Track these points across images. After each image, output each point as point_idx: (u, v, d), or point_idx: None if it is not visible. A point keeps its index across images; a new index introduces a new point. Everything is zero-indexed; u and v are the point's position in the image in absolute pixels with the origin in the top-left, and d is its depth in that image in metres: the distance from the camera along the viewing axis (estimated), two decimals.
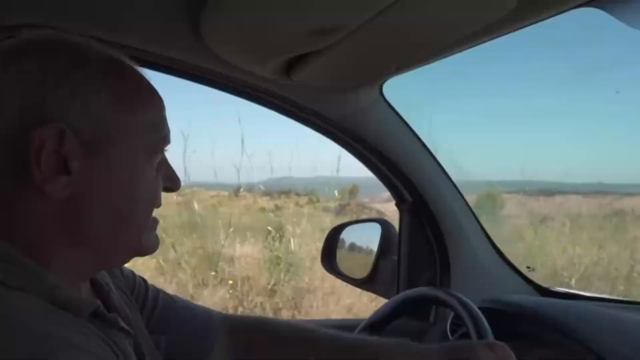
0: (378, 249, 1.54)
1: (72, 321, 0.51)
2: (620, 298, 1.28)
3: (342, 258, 1.65)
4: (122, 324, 0.61)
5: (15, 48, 0.57)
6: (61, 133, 0.54)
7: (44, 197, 0.55)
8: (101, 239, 0.60)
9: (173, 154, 0.71)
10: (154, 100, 0.64)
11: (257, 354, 0.89)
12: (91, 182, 0.57)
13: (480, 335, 0.78)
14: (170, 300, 0.86)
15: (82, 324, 0.52)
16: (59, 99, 0.55)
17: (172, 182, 0.68)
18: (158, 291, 0.86)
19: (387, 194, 1.49)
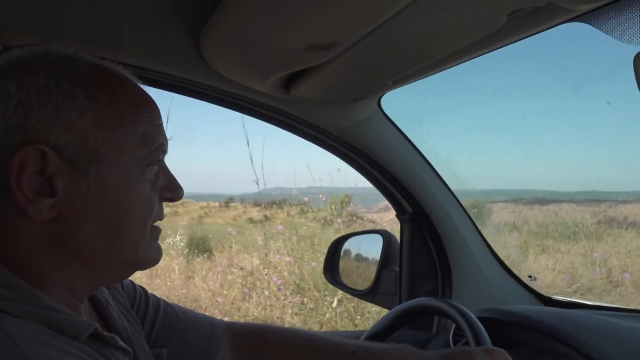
0: (380, 260, 1.54)
1: (68, 345, 0.50)
2: (622, 306, 1.28)
3: (344, 270, 1.65)
4: (121, 343, 0.60)
5: None
6: (43, 154, 0.53)
7: (29, 219, 0.54)
8: (94, 257, 0.59)
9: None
10: (147, 110, 0.62)
11: (261, 359, 0.88)
12: (80, 201, 0.56)
13: (479, 344, 0.78)
14: (172, 309, 0.85)
15: (79, 348, 0.51)
16: (42, 118, 0.54)
17: (172, 193, 0.66)
18: (159, 300, 0.85)
19: (382, 203, 1.50)
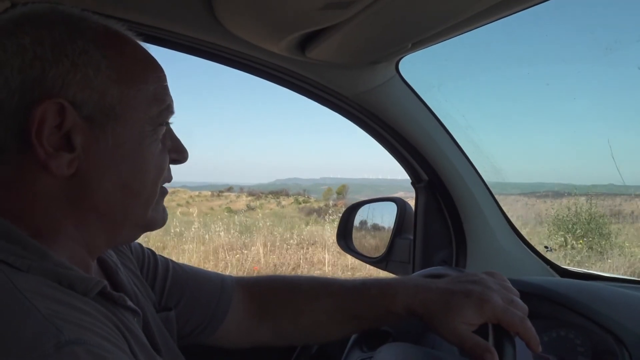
0: (394, 228, 1.53)
1: (78, 300, 0.51)
2: (639, 279, 1.26)
3: (358, 237, 1.65)
4: (130, 303, 0.61)
5: (10, 23, 0.55)
6: (62, 108, 0.54)
7: (49, 174, 0.55)
8: (110, 214, 0.60)
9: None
10: (155, 71, 0.63)
11: (274, 307, 0.89)
12: (97, 157, 0.57)
13: (498, 334, 0.76)
14: (181, 268, 0.87)
15: (87, 304, 0.51)
16: (59, 72, 0.54)
17: (178, 154, 0.67)
18: (168, 261, 0.86)
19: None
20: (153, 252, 0.86)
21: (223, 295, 0.86)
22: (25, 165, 0.55)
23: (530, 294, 1.01)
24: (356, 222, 1.65)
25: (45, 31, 0.55)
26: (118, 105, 0.57)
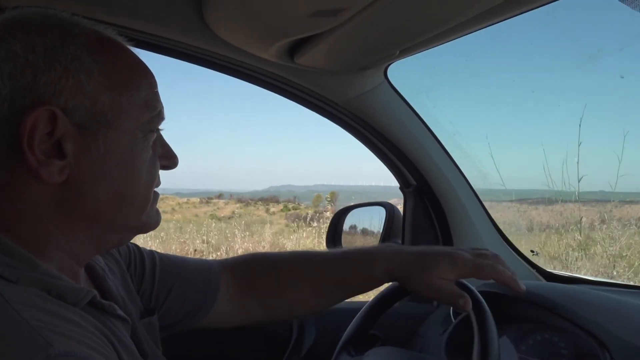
0: (382, 232, 1.54)
1: (68, 311, 0.50)
2: (623, 282, 1.28)
3: (347, 241, 1.66)
4: (120, 312, 0.61)
5: (0, 28, 0.55)
6: (53, 116, 0.53)
7: (40, 182, 0.54)
8: (101, 221, 0.60)
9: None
10: (146, 77, 0.62)
11: (260, 283, 0.92)
12: (89, 164, 0.56)
13: (480, 317, 0.78)
14: (167, 258, 0.87)
15: (77, 314, 0.51)
16: (51, 79, 0.53)
17: (168, 160, 0.67)
18: (153, 253, 0.87)
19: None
20: (137, 246, 0.86)
21: (212, 279, 0.88)
22: (15, 172, 0.54)
23: (515, 297, 1.03)
24: (345, 227, 1.66)
25: (37, 37, 0.54)
26: (110, 112, 0.57)
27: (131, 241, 0.82)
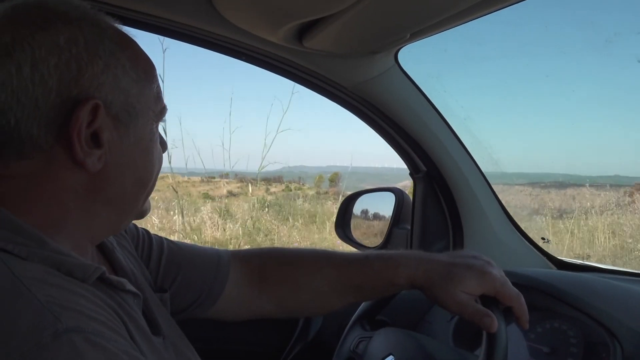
0: (392, 218, 1.53)
1: (77, 287, 0.51)
2: (635, 271, 1.26)
3: (356, 226, 1.66)
4: (130, 286, 0.62)
5: (38, 18, 0.55)
6: (95, 108, 0.56)
7: (81, 170, 0.57)
8: (121, 205, 0.63)
9: None
10: (154, 69, 0.65)
11: (275, 279, 0.90)
12: (120, 153, 0.60)
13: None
14: (176, 245, 0.88)
15: (87, 290, 0.52)
16: (95, 73, 0.56)
17: (163, 147, 0.70)
18: (162, 239, 0.87)
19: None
20: (147, 231, 0.87)
21: (220, 269, 0.87)
22: (54, 160, 0.56)
23: (525, 285, 1.02)
24: (355, 212, 1.66)
25: (77, 30, 0.56)
26: (137, 104, 0.60)
27: None
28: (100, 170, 0.58)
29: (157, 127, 0.65)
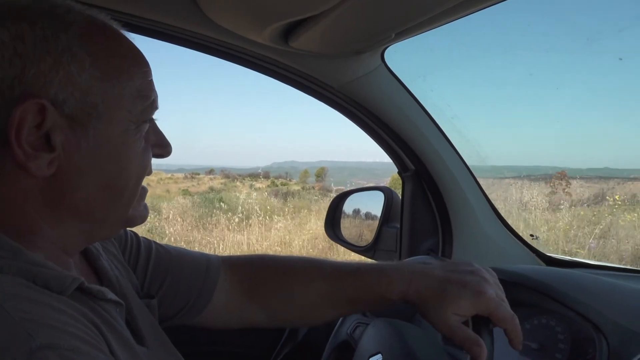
0: (381, 217, 1.54)
1: (53, 300, 0.49)
2: (624, 266, 1.28)
3: (346, 226, 1.66)
4: (111, 295, 0.60)
5: None
6: (42, 108, 0.52)
7: (28, 175, 0.53)
8: (89, 214, 0.59)
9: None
10: (140, 66, 0.60)
11: (266, 288, 0.88)
12: (79, 157, 0.55)
13: (478, 324, 0.78)
14: (164, 250, 0.86)
15: (63, 303, 0.50)
16: (41, 70, 0.52)
17: (162, 149, 0.66)
18: (151, 243, 0.85)
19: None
20: (136, 235, 0.85)
21: (208, 275, 0.85)
22: (3, 164, 0.53)
23: (513, 282, 1.02)
24: (344, 211, 1.66)
25: (26, 25, 0.52)
26: (101, 104, 0.56)
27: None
28: (56, 175, 0.55)
29: (137, 128, 0.60)
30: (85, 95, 0.55)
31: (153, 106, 0.62)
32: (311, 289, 0.86)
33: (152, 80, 0.62)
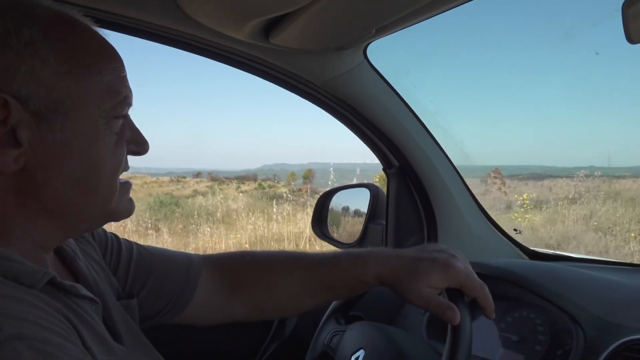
0: (367, 214, 1.54)
1: (23, 294, 0.50)
2: (606, 259, 1.29)
3: (332, 223, 1.66)
4: (85, 291, 0.60)
5: None
6: (5, 103, 0.52)
7: None
8: (60, 210, 0.59)
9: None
10: (111, 61, 0.60)
11: (247, 282, 0.90)
12: (46, 152, 0.55)
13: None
14: (145, 251, 0.86)
15: (34, 296, 0.50)
16: (3, 66, 0.52)
17: (138, 146, 0.66)
18: (131, 244, 0.86)
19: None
20: (116, 237, 0.85)
21: (190, 274, 0.87)
22: None
23: (494, 276, 1.03)
24: (331, 209, 1.66)
25: None
26: (67, 99, 0.56)
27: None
28: (24, 171, 0.55)
29: (107, 124, 0.59)
30: (50, 90, 0.55)
31: (125, 102, 0.62)
32: (290, 279, 0.89)
33: (124, 76, 0.62)
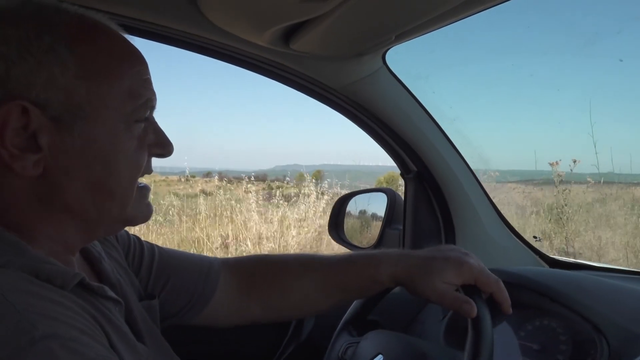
0: (384, 219, 1.54)
1: (55, 294, 0.51)
2: (626, 268, 1.27)
3: (349, 227, 1.66)
4: (110, 293, 0.61)
5: None
6: (25, 110, 0.53)
7: (15, 175, 0.54)
8: (83, 214, 0.60)
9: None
10: (133, 65, 0.60)
11: (263, 285, 0.92)
12: (66, 157, 0.56)
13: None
14: (167, 253, 0.88)
15: (65, 297, 0.52)
16: (23, 72, 0.52)
17: (162, 149, 0.65)
18: (153, 246, 0.88)
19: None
20: (139, 239, 0.87)
21: (209, 277, 0.88)
22: None
23: (515, 284, 1.02)
24: (347, 213, 1.66)
25: (12, 29, 0.53)
26: (87, 104, 0.56)
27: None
28: (44, 175, 0.55)
29: (127, 128, 0.59)
30: (70, 95, 0.55)
31: (147, 105, 0.62)
32: (305, 280, 0.91)
33: (147, 79, 0.62)
